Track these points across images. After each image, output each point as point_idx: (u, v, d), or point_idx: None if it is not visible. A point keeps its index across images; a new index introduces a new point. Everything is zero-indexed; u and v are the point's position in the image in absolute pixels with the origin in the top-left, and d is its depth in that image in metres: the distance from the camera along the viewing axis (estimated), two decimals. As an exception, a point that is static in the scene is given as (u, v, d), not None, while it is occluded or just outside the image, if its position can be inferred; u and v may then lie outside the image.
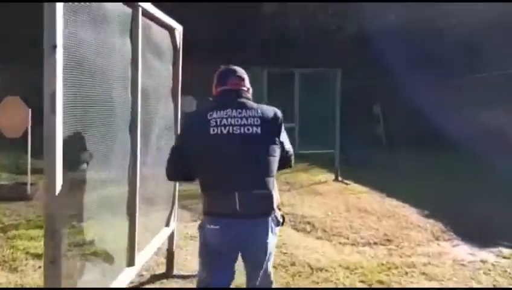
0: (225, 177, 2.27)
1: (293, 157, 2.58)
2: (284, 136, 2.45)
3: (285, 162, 2.49)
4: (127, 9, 2.64)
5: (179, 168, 2.45)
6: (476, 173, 8.75)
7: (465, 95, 13.87)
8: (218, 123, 2.29)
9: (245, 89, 2.48)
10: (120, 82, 2.60)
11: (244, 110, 2.34)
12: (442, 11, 16.77)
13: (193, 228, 5.69)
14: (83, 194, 2.29)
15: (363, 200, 6.95)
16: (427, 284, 3.94)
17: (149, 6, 2.97)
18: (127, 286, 2.86)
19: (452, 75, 15.13)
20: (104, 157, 2.44)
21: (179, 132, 3.03)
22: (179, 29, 3.80)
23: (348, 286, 3.87)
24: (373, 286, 3.88)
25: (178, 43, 3.80)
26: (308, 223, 5.67)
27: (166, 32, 3.60)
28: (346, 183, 8.17)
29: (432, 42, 16.39)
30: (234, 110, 2.32)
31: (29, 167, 6.48)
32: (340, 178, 8.50)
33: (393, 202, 6.78)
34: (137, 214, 2.84)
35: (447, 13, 16.69)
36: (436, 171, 9.22)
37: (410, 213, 6.19)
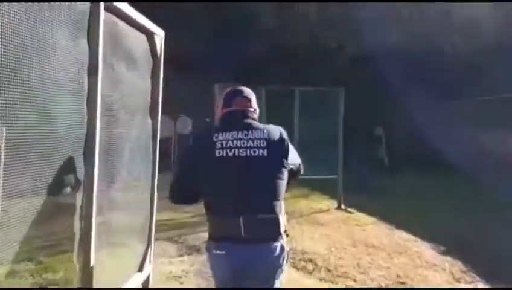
0: (230, 201, 2.21)
1: (302, 167, 2.51)
2: (291, 152, 2.36)
3: (295, 174, 2.44)
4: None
5: (181, 190, 2.39)
6: (488, 200, 8.10)
7: (468, 116, 13.38)
8: (224, 145, 2.23)
9: (251, 109, 2.42)
10: (68, 94, 1.98)
11: (250, 132, 2.27)
12: (443, 29, 16.41)
13: (180, 265, 5.03)
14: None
15: (369, 232, 6.27)
16: None
17: (120, 5, 2.37)
18: None
19: (454, 96, 14.67)
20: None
21: (183, 153, 2.84)
22: (160, 34, 3.18)
23: None
24: None
25: (158, 50, 3.19)
26: (310, 260, 4.98)
27: (143, 37, 2.99)
28: (350, 212, 7.49)
29: (433, 62, 15.97)
30: (240, 132, 2.26)
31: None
32: (343, 206, 7.82)
33: (404, 235, 6.11)
34: (92, 257, 2.19)
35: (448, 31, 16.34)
36: (444, 198, 8.58)
37: (423, 249, 5.51)
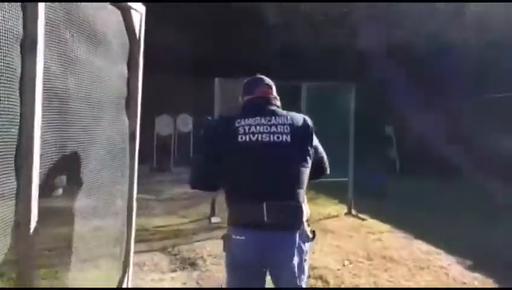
0: (253, 187, 2.17)
1: (327, 164, 2.46)
2: (316, 143, 2.33)
3: (319, 170, 2.38)
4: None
5: (202, 175, 2.33)
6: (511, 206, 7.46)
7: (485, 114, 12.70)
8: (247, 131, 2.19)
9: (274, 96, 2.39)
10: None
11: (273, 118, 2.24)
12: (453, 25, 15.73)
13: (171, 282, 4.44)
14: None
15: (386, 243, 5.64)
16: None
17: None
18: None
19: (469, 94, 14.02)
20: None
21: (201, 139, 2.65)
22: (139, 11, 2.57)
23: None
24: None
25: (137, 30, 2.58)
26: (320, 277, 4.36)
27: (117, 13, 2.39)
28: (362, 219, 6.86)
29: (445, 58, 15.31)
30: (263, 118, 2.22)
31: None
32: (353, 211, 7.19)
33: (424, 247, 5.47)
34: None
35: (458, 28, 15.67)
36: (463, 203, 7.94)
37: (448, 263, 4.87)
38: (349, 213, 7.14)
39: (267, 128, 2.18)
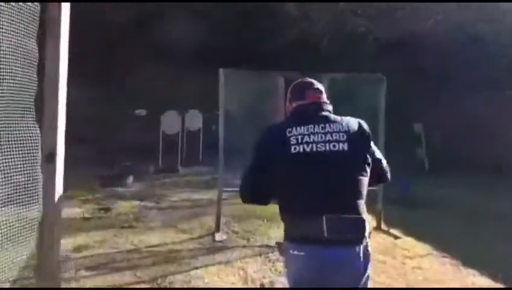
0: (310, 199, 2.01)
1: (388, 171, 2.33)
2: (373, 148, 2.21)
3: (378, 178, 2.28)
4: None
5: (255, 190, 2.17)
6: None
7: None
8: (300, 141, 2.05)
9: (326, 101, 2.24)
10: None
11: (328, 125, 2.10)
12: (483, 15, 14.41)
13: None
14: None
15: (428, 271, 4.54)
16: None
17: None
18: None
19: (505, 87, 12.75)
20: None
21: (254, 147, 2.20)
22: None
23: None
24: None
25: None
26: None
27: None
28: (395, 236, 5.75)
29: (478, 50, 14.05)
30: (317, 126, 2.09)
31: None
32: (384, 226, 6.10)
33: (480, 280, 4.35)
34: None
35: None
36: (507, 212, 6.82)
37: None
38: (378, 228, 6.04)
39: (322, 137, 2.07)
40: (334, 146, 2.04)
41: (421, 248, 5.34)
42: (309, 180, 2.02)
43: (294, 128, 2.07)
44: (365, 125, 2.17)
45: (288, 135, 2.06)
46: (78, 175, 10.10)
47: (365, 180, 2.08)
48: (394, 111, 10.52)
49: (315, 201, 2.00)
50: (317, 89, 2.27)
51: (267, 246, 5.31)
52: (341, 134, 2.07)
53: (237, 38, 16.87)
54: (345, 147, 2.04)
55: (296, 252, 2.01)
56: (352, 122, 2.14)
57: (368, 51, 15.88)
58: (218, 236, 5.56)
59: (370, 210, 6.51)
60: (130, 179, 9.51)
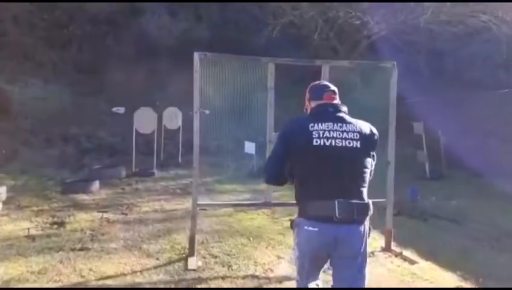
0: (326, 186, 2.41)
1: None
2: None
3: (371, 171, 2.61)
4: None
5: (278, 172, 2.55)
6: None
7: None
8: (321, 135, 2.43)
9: (340, 103, 2.64)
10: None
11: (344, 125, 2.49)
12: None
13: None
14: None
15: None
16: None
17: None
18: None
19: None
20: None
21: (277, 138, 2.63)
22: None
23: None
24: None
25: None
26: None
27: None
28: (411, 261, 4.67)
29: (486, 42, 13.17)
30: (335, 124, 2.47)
31: None
32: (394, 246, 5.02)
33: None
34: None
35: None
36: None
37: None
38: (388, 249, 4.96)
39: (339, 134, 2.45)
40: (349, 143, 2.43)
41: (445, 276, 4.28)
42: (326, 170, 2.41)
43: (316, 124, 2.45)
44: (374, 130, 2.57)
45: (310, 129, 2.44)
46: (37, 180, 8.94)
47: (369, 171, 2.52)
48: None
49: (330, 187, 2.39)
50: (333, 91, 2.66)
51: (253, 276, 4.20)
52: (355, 134, 2.46)
53: (222, 32, 15.86)
54: (358, 145, 2.44)
55: (310, 228, 2.41)
56: (365, 126, 2.53)
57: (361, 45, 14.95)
58: (192, 262, 4.41)
59: (374, 224, 5.50)
60: (96, 184, 8.30)
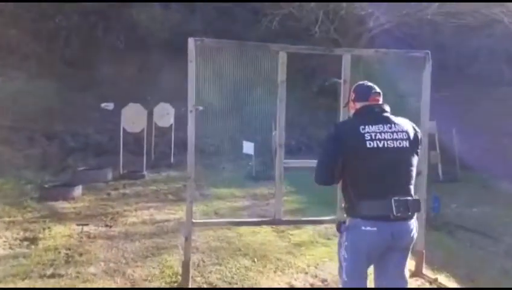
0: (381, 186, 2.50)
1: None
2: None
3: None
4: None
5: (330, 173, 2.60)
6: None
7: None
8: (373, 137, 2.50)
9: (384, 103, 2.70)
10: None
11: (393, 125, 2.56)
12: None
13: None
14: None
15: None
16: None
17: None
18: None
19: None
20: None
21: (327, 140, 2.67)
22: None
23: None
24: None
25: None
26: None
27: None
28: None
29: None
30: (385, 126, 2.54)
31: None
32: (426, 271, 4.23)
33: None
34: None
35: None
36: None
37: None
38: (419, 274, 4.17)
39: (390, 136, 2.52)
40: (399, 143, 2.53)
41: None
42: (380, 170, 2.50)
43: (367, 126, 2.53)
44: (417, 128, 2.68)
45: (362, 131, 2.52)
46: (14, 184, 8.07)
47: (415, 170, 2.61)
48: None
49: (384, 187, 2.50)
50: (378, 92, 2.73)
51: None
52: (403, 133, 2.56)
53: (217, 24, 15.03)
54: (407, 144, 2.55)
55: (368, 228, 2.48)
56: (409, 125, 2.64)
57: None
58: (186, 295, 3.61)
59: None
60: (79, 189, 7.45)
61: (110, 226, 5.77)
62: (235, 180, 9.28)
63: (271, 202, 7.39)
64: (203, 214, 6.46)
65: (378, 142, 2.48)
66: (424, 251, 4.18)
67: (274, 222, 3.89)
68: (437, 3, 12.67)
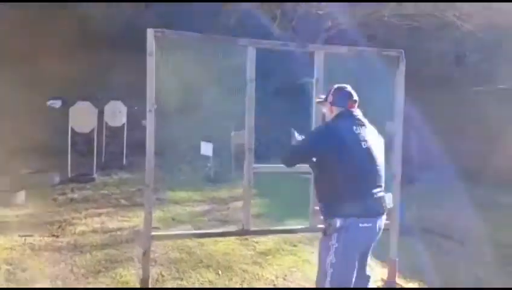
0: (370, 184, 2.67)
1: None
2: None
3: None
4: None
5: (300, 161, 2.90)
6: None
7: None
8: (364, 138, 2.70)
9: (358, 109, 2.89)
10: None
11: (370, 128, 2.80)
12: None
13: None
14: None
15: None
16: None
17: None
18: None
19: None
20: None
21: (315, 136, 2.89)
22: None
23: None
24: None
25: None
26: None
27: None
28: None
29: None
30: (366, 129, 2.75)
31: None
32: (399, 279, 4.05)
33: None
34: None
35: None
36: None
37: None
38: (392, 284, 3.97)
39: (371, 138, 2.73)
40: (376, 145, 2.75)
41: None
42: (369, 169, 2.68)
43: (357, 128, 2.71)
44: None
45: (356, 132, 2.70)
46: None
47: None
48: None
49: (372, 184, 2.66)
50: (355, 100, 2.84)
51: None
52: (376, 136, 2.81)
53: (173, 19, 14.51)
54: (381, 145, 2.80)
55: (365, 225, 2.61)
56: (373, 127, 2.85)
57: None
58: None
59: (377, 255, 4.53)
60: (22, 195, 6.82)
61: (57, 236, 5.25)
62: (193, 183, 8.87)
63: (231, 206, 7.09)
64: (160, 220, 6.03)
65: (366, 142, 2.67)
66: (397, 259, 3.99)
67: (242, 233, 3.57)
68: (395, 4, 12.78)
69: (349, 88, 2.87)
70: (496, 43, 13.93)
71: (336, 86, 2.92)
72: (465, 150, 9.59)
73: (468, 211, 6.95)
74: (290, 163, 2.88)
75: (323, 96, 2.98)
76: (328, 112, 2.89)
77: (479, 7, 12.45)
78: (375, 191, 2.64)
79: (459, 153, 9.84)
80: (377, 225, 2.66)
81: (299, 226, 3.88)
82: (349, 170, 2.60)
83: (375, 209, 2.64)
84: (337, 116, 2.79)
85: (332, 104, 2.83)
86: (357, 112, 2.80)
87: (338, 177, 2.61)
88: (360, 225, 2.57)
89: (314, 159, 2.79)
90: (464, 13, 12.54)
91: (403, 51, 3.99)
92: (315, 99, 3.38)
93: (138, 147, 8.79)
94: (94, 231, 5.49)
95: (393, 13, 13.20)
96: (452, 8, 12.86)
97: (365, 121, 2.79)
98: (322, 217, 2.74)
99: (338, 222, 2.57)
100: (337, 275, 2.57)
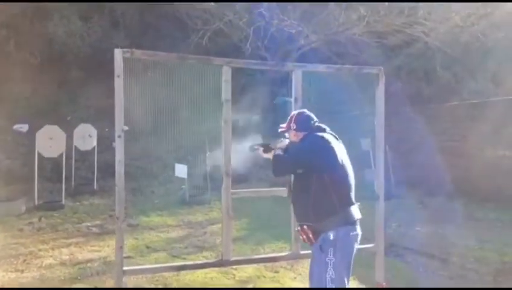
0: (352, 193, 2.76)
1: None
2: None
3: None
4: None
5: (292, 171, 2.93)
6: None
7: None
8: (343, 148, 2.87)
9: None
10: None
11: (340, 142, 2.94)
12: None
13: None
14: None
15: None
16: None
17: None
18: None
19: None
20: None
21: (308, 148, 2.81)
22: None
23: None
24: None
25: None
26: None
27: None
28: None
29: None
30: (338, 142, 2.92)
31: None
32: (385, 283, 3.89)
33: None
34: None
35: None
36: None
37: None
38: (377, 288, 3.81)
39: (342, 148, 2.86)
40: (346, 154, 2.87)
41: None
42: (351, 180, 2.77)
43: (334, 138, 2.86)
44: None
45: (341, 144, 2.88)
46: None
47: None
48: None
49: (353, 194, 2.75)
50: (316, 121, 2.96)
51: None
52: (345, 149, 2.90)
53: (143, 39, 14.27)
54: (348, 157, 2.87)
55: (356, 232, 2.72)
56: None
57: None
58: None
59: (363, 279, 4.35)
60: (-16, 227, 6.41)
61: (22, 271, 4.90)
62: (167, 207, 8.58)
63: (208, 230, 6.83)
64: (133, 249, 5.73)
65: (345, 152, 2.82)
66: (384, 284, 3.83)
67: (222, 263, 3.33)
68: (365, 21, 12.91)
69: (307, 112, 2.98)
70: (463, 59, 14.28)
71: (295, 112, 3.03)
72: (438, 165, 9.59)
73: (446, 227, 6.89)
74: (282, 173, 2.97)
75: (284, 126, 3.00)
76: (294, 138, 2.93)
77: (442, 19, 12.73)
78: (354, 199, 2.74)
79: (439, 168, 9.84)
80: (360, 232, 2.74)
81: (281, 254, 3.69)
82: (341, 179, 2.70)
83: (358, 217, 2.71)
84: (311, 133, 2.84)
85: (297, 130, 2.91)
86: (325, 126, 2.91)
87: (332, 187, 2.65)
88: (350, 233, 2.66)
89: (301, 171, 2.78)
90: (430, 28, 12.77)
91: (382, 68, 3.90)
92: (279, 129, 3.17)
93: (109, 170, 8.49)
94: (62, 264, 5.15)
95: (363, 31, 13.32)
96: (419, 24, 13.09)
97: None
98: (310, 236, 2.70)
99: (331, 235, 2.62)
100: (340, 273, 2.60)
